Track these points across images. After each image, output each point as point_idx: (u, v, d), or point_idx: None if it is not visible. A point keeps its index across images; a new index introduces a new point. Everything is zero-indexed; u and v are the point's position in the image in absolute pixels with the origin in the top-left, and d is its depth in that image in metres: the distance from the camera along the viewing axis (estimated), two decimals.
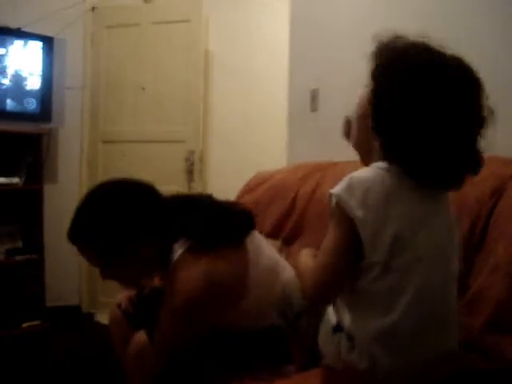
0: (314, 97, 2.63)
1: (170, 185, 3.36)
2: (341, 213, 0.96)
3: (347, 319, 1.03)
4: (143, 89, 3.42)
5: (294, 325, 1.26)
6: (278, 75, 3.12)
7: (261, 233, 2.21)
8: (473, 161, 0.98)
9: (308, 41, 2.71)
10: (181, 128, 3.35)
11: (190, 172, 3.32)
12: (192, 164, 3.30)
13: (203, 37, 3.30)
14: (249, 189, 2.56)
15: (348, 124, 1.17)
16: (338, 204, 0.97)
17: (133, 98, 3.45)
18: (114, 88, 3.49)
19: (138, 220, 1.29)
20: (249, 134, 3.54)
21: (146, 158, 3.41)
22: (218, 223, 1.35)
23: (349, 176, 0.98)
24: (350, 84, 2.40)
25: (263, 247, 1.46)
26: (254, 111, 3.52)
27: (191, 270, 1.26)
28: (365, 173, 0.99)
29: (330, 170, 2.08)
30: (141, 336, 1.43)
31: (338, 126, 2.60)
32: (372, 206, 0.94)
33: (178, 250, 1.30)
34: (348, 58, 2.38)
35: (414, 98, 0.93)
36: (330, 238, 0.99)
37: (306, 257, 1.12)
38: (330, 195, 0.99)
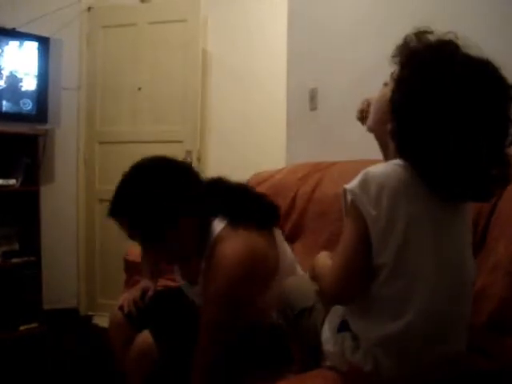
0: (313, 96, 2.63)
1: None
2: (355, 209, 0.94)
3: (353, 320, 1.02)
4: (139, 89, 3.40)
5: (294, 324, 1.26)
6: (276, 75, 3.11)
7: None
8: (498, 171, 0.91)
9: (306, 40, 2.70)
10: (178, 128, 3.33)
11: None
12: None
13: (201, 36, 3.29)
14: None
15: (362, 112, 1.17)
16: (352, 200, 0.95)
17: (129, 98, 3.43)
18: (111, 88, 3.47)
19: (176, 197, 1.32)
20: (247, 134, 3.53)
21: None
22: (254, 205, 1.40)
23: (364, 171, 0.96)
24: (349, 83, 2.40)
25: (285, 244, 1.49)
26: (252, 111, 3.50)
27: (232, 242, 1.30)
28: (380, 168, 0.97)
29: (329, 170, 2.07)
30: (145, 337, 1.42)
31: (338, 125, 2.61)
32: (385, 203, 0.92)
33: (219, 225, 1.35)
34: (347, 56, 2.37)
35: (435, 110, 0.89)
36: (347, 235, 0.97)
37: (324, 258, 1.10)
38: (345, 191, 0.97)
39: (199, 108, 3.32)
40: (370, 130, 1.17)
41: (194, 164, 3.29)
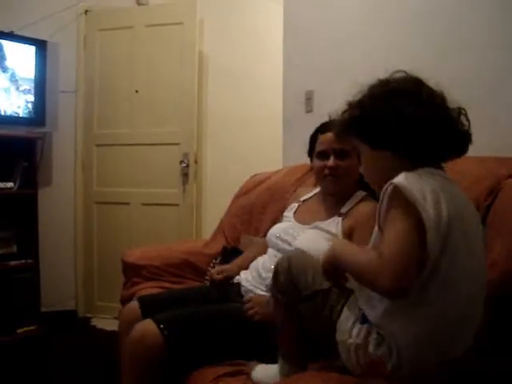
0: (309, 98, 2.63)
1: (164, 187, 3.37)
2: (405, 201, 0.96)
3: (379, 314, 1.03)
4: (137, 91, 3.41)
5: (297, 306, 1.21)
6: (272, 77, 3.13)
7: (258, 234, 2.22)
8: (458, 139, 1.09)
9: (302, 42, 2.72)
10: (175, 130, 3.34)
11: (184, 174, 3.31)
12: (187, 166, 3.30)
13: (197, 39, 3.30)
14: (245, 190, 2.56)
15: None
16: (401, 194, 0.97)
17: (127, 100, 3.43)
18: (108, 91, 3.47)
19: None
20: (244, 136, 3.54)
21: (141, 161, 3.41)
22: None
23: (403, 173, 1.01)
24: (346, 84, 2.41)
25: None
26: (248, 113, 3.52)
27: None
28: (413, 172, 1.02)
29: None
30: (146, 324, 1.45)
31: None
32: (430, 199, 0.96)
33: (363, 193, 1.64)
34: (343, 58, 2.39)
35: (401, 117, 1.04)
36: (398, 227, 0.97)
37: (352, 249, 1.11)
38: (390, 184, 0.99)
39: (196, 110, 3.32)
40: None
41: (191, 166, 3.30)
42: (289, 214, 1.81)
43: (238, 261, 1.90)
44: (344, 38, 2.40)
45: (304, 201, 1.84)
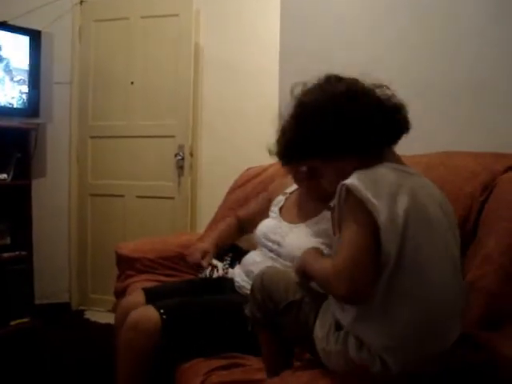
0: None
1: (160, 180, 3.36)
2: (357, 203, 0.95)
3: (352, 318, 1.01)
4: (132, 83, 3.39)
5: (275, 319, 1.21)
6: (269, 69, 3.11)
7: None
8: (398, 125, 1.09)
9: (299, 34, 2.70)
10: (170, 122, 3.32)
11: (180, 167, 3.30)
12: (182, 159, 3.28)
13: (193, 30, 3.28)
14: (240, 183, 2.56)
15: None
16: (353, 194, 0.96)
17: (122, 92, 3.41)
18: (103, 83, 3.45)
19: None
20: (240, 129, 3.52)
21: (136, 153, 3.39)
22: None
23: (355, 172, 1.00)
24: None
25: None
26: (245, 105, 3.50)
27: None
28: (368, 170, 1.01)
29: None
30: (145, 310, 1.46)
31: None
32: (383, 196, 0.94)
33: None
34: (339, 52, 2.37)
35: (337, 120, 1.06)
36: (351, 229, 0.96)
37: (316, 257, 1.11)
38: (342, 186, 0.98)
39: (191, 102, 3.31)
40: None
41: (187, 159, 3.29)
42: (275, 208, 1.78)
43: (212, 239, 1.94)
44: (342, 32, 2.39)
45: (291, 193, 1.81)
